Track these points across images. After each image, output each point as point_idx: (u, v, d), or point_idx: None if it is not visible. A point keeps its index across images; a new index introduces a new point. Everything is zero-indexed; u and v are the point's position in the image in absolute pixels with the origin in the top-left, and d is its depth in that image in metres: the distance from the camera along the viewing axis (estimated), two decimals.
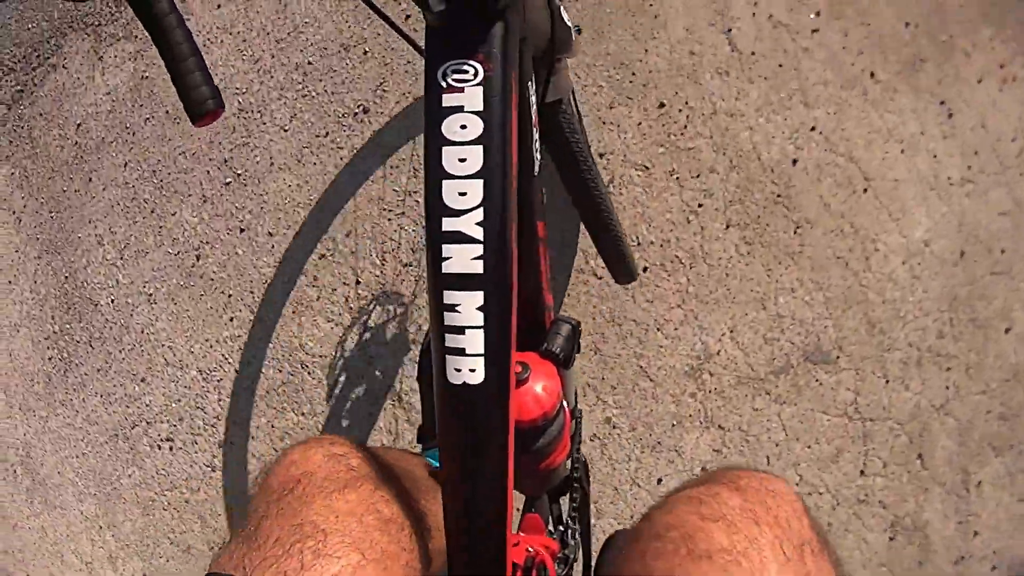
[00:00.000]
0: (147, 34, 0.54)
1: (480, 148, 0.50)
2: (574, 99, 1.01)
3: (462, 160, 0.50)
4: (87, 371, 1.65)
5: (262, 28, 1.48)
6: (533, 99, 0.63)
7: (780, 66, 1.27)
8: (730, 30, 1.27)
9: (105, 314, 1.63)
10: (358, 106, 1.41)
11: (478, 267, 0.50)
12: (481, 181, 0.50)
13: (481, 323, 0.51)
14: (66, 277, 1.67)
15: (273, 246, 1.48)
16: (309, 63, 1.44)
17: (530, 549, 0.72)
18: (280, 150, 1.46)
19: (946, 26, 1.28)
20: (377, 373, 1.43)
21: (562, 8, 0.78)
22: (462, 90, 0.50)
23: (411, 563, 0.58)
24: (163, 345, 1.58)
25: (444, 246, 0.51)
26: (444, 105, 0.50)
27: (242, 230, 1.50)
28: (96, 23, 1.62)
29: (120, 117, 1.60)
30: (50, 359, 1.69)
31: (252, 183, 1.49)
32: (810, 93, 1.27)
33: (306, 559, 0.52)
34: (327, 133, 1.43)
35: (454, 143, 0.50)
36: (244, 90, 1.49)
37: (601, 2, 1.30)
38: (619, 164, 1.30)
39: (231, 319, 1.51)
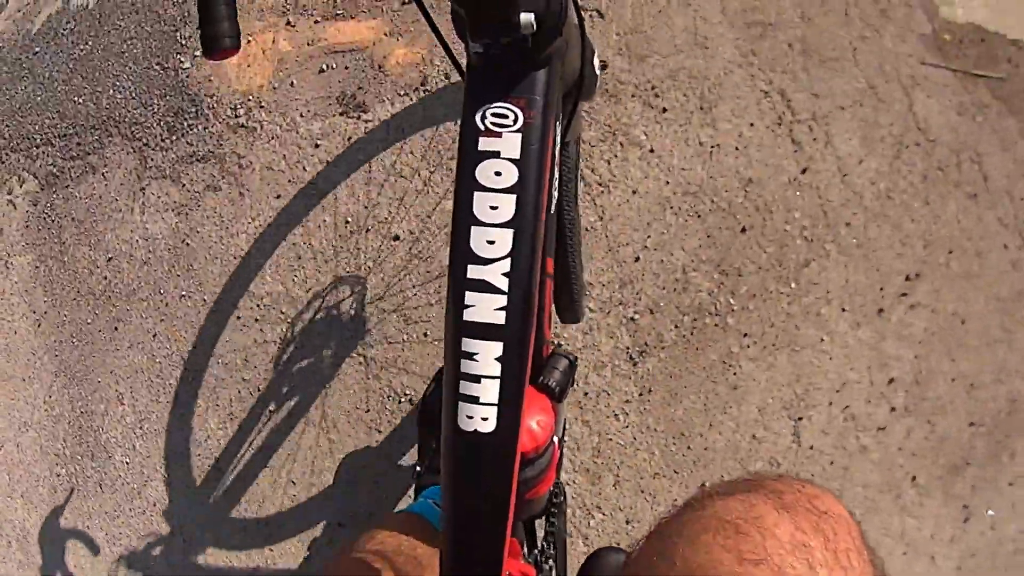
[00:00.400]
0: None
1: (513, 198, 0.49)
2: (579, 143, 1.00)
3: (494, 208, 0.49)
4: (94, 507, 1.60)
5: None
6: (558, 140, 0.62)
7: (831, 463, 1.23)
8: (800, 419, 1.23)
9: (119, 469, 1.57)
10: None
11: (500, 318, 0.50)
12: (511, 231, 0.49)
13: (498, 374, 0.51)
14: (82, 412, 1.61)
15: (295, 494, 1.41)
16: None
17: (508, 574, 0.72)
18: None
19: (1009, 426, 1.23)
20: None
21: (596, 55, 0.76)
22: (500, 135, 0.49)
23: None
24: (176, 527, 1.51)
25: (468, 293, 0.50)
26: (480, 149, 0.49)
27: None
28: (144, 140, 1.56)
29: (154, 276, 1.53)
30: (58, 475, 1.64)
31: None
32: (847, 494, 1.23)
33: None
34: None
35: (487, 189, 0.49)
36: None
37: (685, 356, 1.24)
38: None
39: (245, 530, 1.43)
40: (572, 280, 1.08)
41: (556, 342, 1.26)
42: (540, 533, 0.86)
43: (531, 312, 0.51)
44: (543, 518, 0.87)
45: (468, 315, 0.50)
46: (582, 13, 0.60)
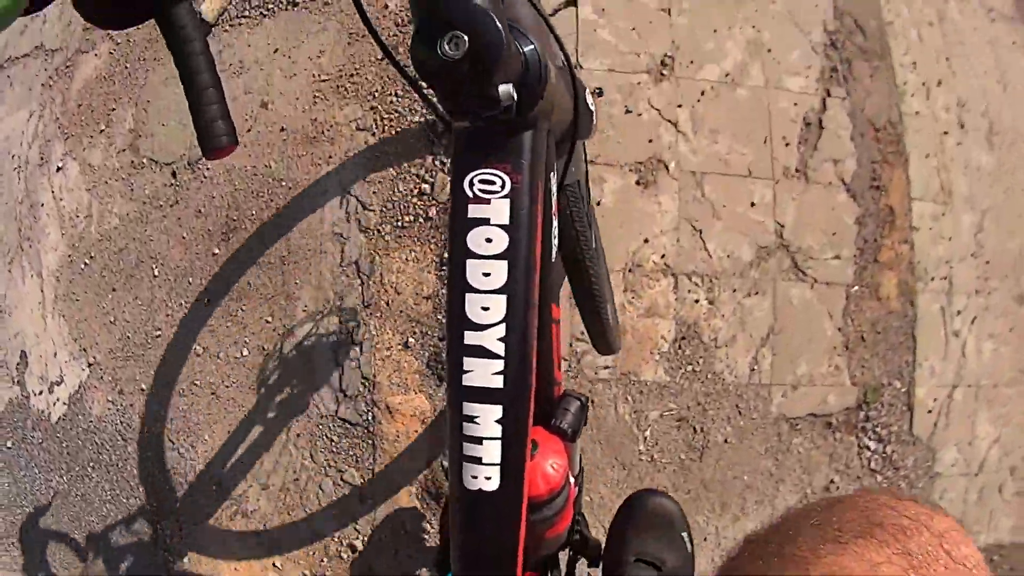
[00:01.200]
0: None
1: (505, 264, 0.49)
2: (586, 181, 0.99)
3: (486, 275, 0.50)
4: None
5: None
6: (554, 187, 0.62)
7: None
8: None
9: None
10: None
11: (498, 382, 0.50)
12: (504, 297, 0.50)
13: (499, 435, 0.51)
14: None
15: None
16: None
17: None
18: None
19: None
20: None
21: (587, 92, 0.76)
22: (489, 202, 0.49)
23: None
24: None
25: (465, 359, 0.50)
26: (470, 216, 0.50)
27: None
28: None
29: None
30: None
31: None
32: None
33: None
34: None
35: (479, 256, 0.50)
36: None
37: None
38: None
39: None
40: (600, 311, 1.08)
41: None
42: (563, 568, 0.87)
43: (529, 372, 0.51)
44: (566, 549, 0.87)
45: (467, 380, 0.50)
46: (567, 54, 0.59)
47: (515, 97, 0.45)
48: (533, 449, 0.68)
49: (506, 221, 0.49)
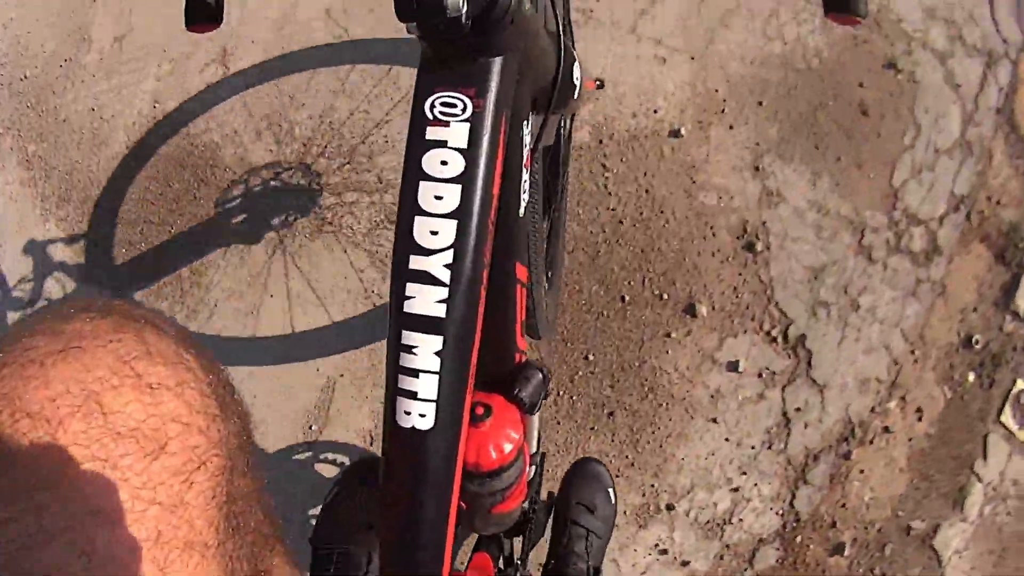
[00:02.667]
0: None
1: (459, 187, 0.48)
2: (567, 145, 0.97)
3: (438, 197, 0.48)
4: None
5: None
6: (527, 139, 0.61)
7: None
8: None
9: None
10: None
11: (441, 311, 0.49)
12: (455, 222, 0.48)
13: (437, 368, 0.49)
14: None
15: None
16: None
17: None
18: None
19: None
20: None
21: (576, 64, 0.75)
22: (447, 124, 0.48)
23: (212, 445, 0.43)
24: None
25: (408, 284, 0.49)
26: (427, 138, 0.48)
27: None
28: None
29: None
30: None
31: None
32: None
33: None
34: None
35: (432, 179, 0.48)
36: None
37: None
38: None
39: None
40: (547, 298, 1.05)
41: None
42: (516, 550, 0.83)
43: (474, 307, 0.49)
44: (521, 536, 0.84)
45: (408, 307, 0.48)
46: (565, 21, 0.58)
47: (463, 8, 0.44)
48: (486, 415, 0.65)
49: (463, 145, 0.48)
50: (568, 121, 1.04)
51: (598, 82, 1.03)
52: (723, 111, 1.34)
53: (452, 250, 0.48)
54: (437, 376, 0.49)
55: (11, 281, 1.56)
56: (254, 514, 0.47)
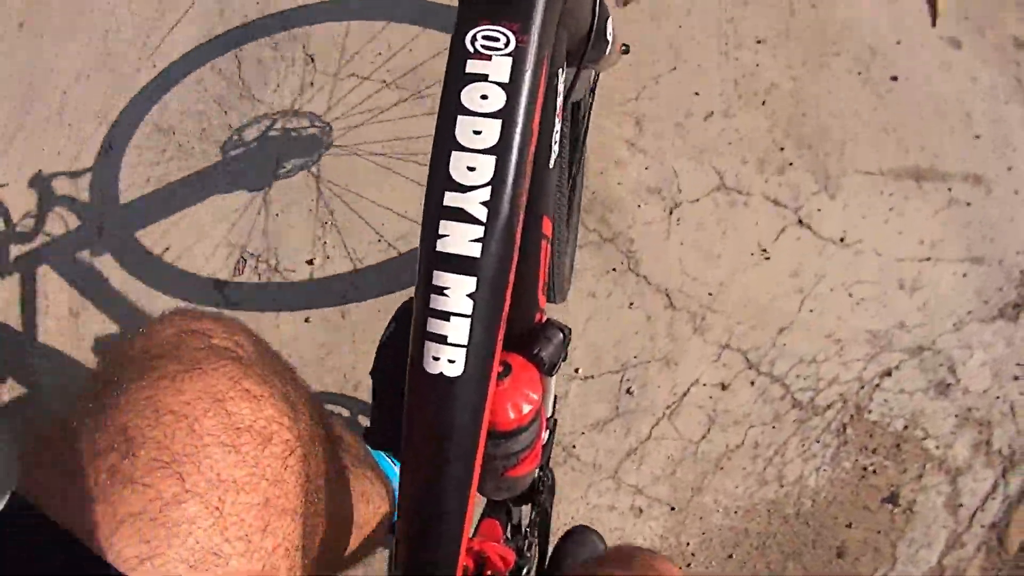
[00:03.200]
0: None
1: (499, 123, 0.46)
2: (589, 109, 0.96)
3: (477, 132, 0.46)
4: None
5: None
6: (561, 86, 0.59)
7: None
8: None
9: None
10: None
11: (475, 250, 0.47)
12: (494, 158, 0.46)
13: (469, 312, 0.48)
14: None
15: None
16: None
17: (483, 555, 0.68)
18: None
19: None
20: None
21: (610, 21, 0.74)
22: (490, 58, 0.46)
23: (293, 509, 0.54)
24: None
25: (442, 222, 0.47)
26: (467, 71, 0.47)
27: None
28: None
29: None
30: None
31: None
32: None
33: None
34: None
35: (472, 113, 0.46)
36: None
37: None
38: None
39: None
40: (561, 262, 1.04)
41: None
42: (525, 519, 0.82)
43: (510, 249, 0.48)
44: (530, 505, 0.83)
45: (441, 245, 0.46)
46: None
47: None
48: (506, 372, 0.64)
49: (506, 79, 0.46)
50: (594, 79, 1.03)
51: (624, 46, 1.01)
52: (689, 565, 1.26)
53: (490, 187, 0.46)
54: (469, 320, 0.47)
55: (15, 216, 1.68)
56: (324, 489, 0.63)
